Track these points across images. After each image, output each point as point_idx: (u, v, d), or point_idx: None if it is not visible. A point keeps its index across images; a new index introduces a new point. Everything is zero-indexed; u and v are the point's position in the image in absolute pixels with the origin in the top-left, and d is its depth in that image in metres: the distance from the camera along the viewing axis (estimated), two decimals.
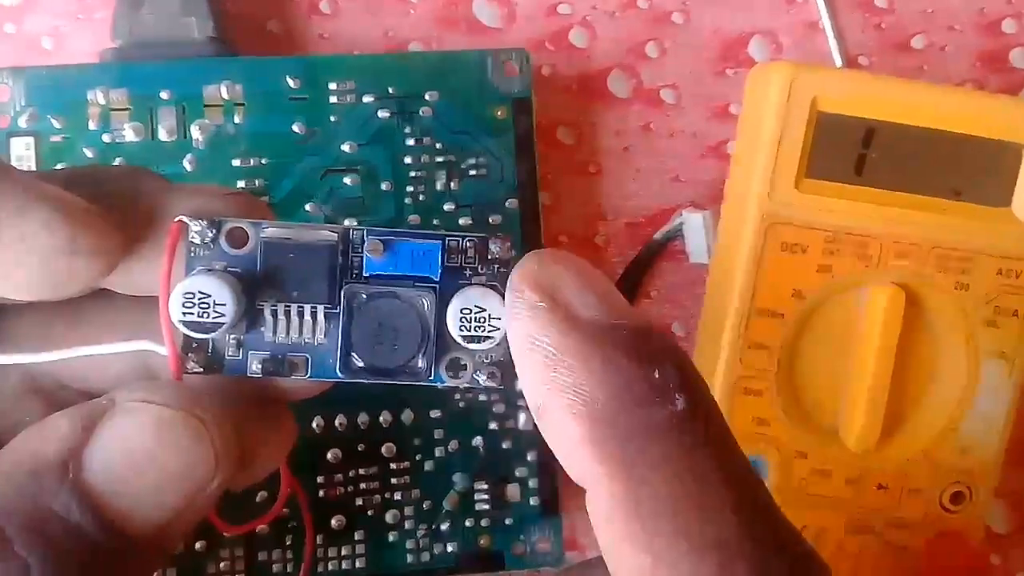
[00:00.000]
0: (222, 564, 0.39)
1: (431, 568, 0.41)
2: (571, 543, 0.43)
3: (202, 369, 0.25)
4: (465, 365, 0.26)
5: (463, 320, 0.25)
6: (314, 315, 0.25)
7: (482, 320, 0.25)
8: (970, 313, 0.40)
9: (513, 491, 0.42)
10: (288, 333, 0.25)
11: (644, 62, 0.45)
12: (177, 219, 0.25)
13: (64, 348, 0.26)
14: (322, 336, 0.25)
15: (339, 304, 0.25)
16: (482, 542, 0.41)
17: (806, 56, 0.45)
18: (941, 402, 0.41)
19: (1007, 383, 0.41)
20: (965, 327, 0.40)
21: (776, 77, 0.39)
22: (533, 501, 0.42)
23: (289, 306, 0.25)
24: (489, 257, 0.26)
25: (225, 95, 0.40)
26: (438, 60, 0.41)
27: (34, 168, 0.39)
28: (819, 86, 0.38)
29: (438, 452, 0.41)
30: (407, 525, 0.41)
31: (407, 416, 0.41)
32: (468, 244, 0.26)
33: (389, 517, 0.41)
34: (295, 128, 0.40)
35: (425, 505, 0.41)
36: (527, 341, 0.22)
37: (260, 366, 0.25)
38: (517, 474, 0.42)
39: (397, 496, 0.41)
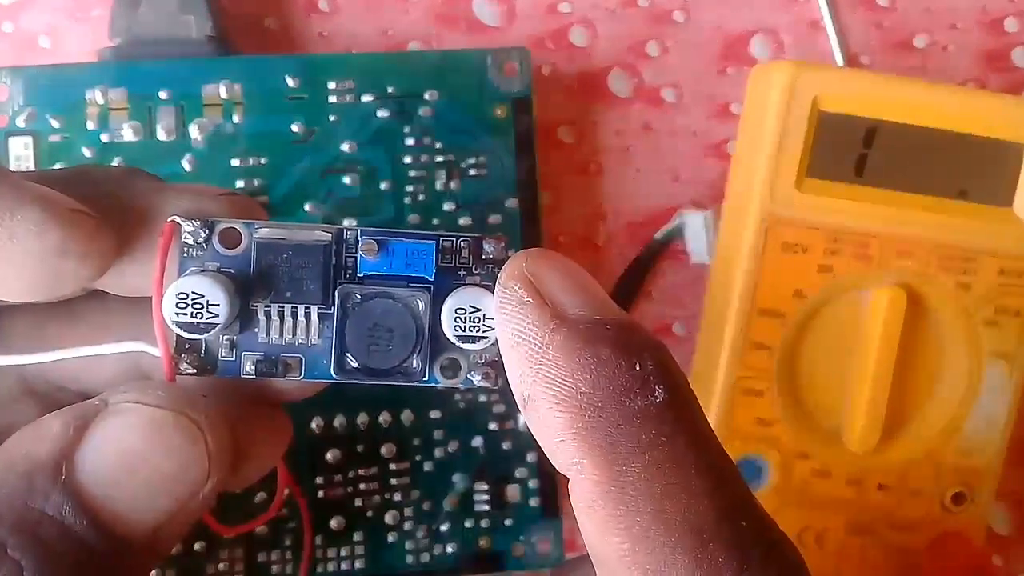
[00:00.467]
0: (221, 565, 0.39)
1: (431, 569, 0.41)
2: (571, 544, 0.43)
3: (195, 370, 0.25)
4: (460, 365, 0.26)
5: (457, 320, 0.25)
6: (308, 316, 0.25)
7: (476, 320, 0.25)
8: (972, 313, 0.40)
9: (513, 492, 0.42)
10: (282, 334, 0.25)
11: (645, 61, 0.44)
12: (170, 219, 0.24)
13: (57, 349, 0.25)
14: (316, 337, 0.25)
15: (333, 304, 0.25)
16: (482, 543, 0.41)
17: (807, 55, 0.45)
18: (942, 402, 0.41)
19: (1009, 383, 0.41)
20: (967, 327, 0.40)
21: (777, 76, 0.39)
22: (533, 502, 0.42)
23: (283, 306, 0.25)
24: (483, 257, 0.26)
25: (224, 94, 0.39)
26: (438, 59, 0.41)
27: (33, 168, 0.39)
28: (820, 85, 0.38)
29: (438, 453, 0.41)
30: (407, 526, 0.41)
31: (407, 416, 0.41)
32: (462, 244, 0.26)
33: (389, 518, 0.40)
34: (294, 128, 0.40)
35: (425, 506, 0.41)
36: (514, 335, 0.23)
37: (253, 367, 0.25)
38: (517, 475, 0.42)
39: (397, 497, 0.41)
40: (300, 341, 0.25)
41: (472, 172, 0.41)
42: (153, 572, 0.38)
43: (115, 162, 0.39)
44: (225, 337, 0.25)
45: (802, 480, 0.41)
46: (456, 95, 0.41)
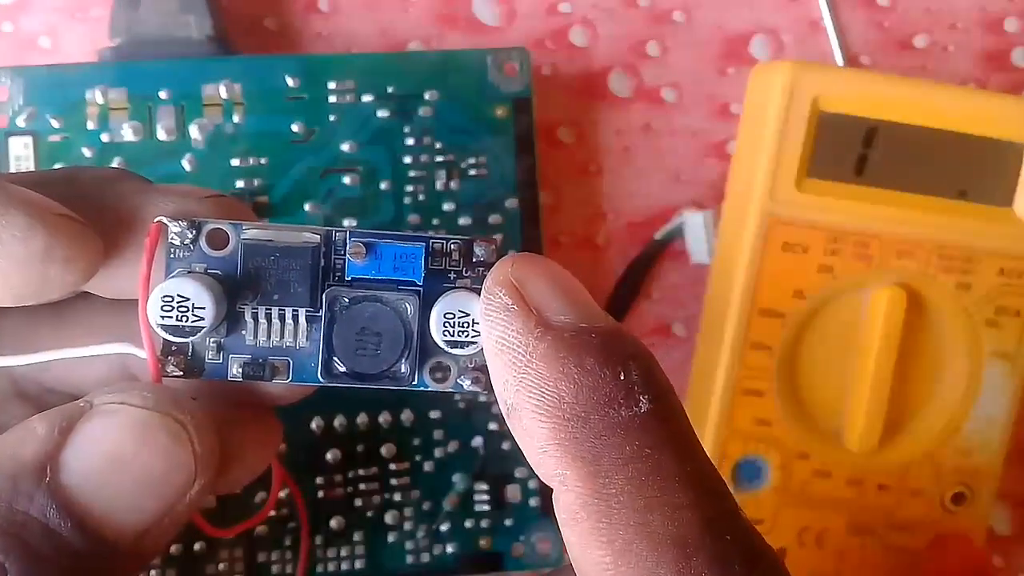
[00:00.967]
0: (221, 565, 0.39)
1: (431, 569, 0.41)
2: None
3: (182, 372, 0.25)
4: (450, 369, 0.26)
5: (447, 325, 0.25)
6: (295, 318, 0.25)
7: (466, 325, 0.25)
8: (972, 313, 0.40)
9: (513, 492, 0.42)
10: (269, 337, 0.25)
11: (645, 61, 0.44)
12: (156, 220, 0.24)
13: (45, 351, 0.25)
14: (304, 340, 0.25)
15: (321, 307, 0.25)
16: (482, 543, 0.41)
17: (807, 55, 0.45)
18: (943, 402, 0.41)
19: (1009, 384, 0.41)
20: (967, 327, 0.40)
21: (777, 76, 0.39)
22: (533, 502, 0.42)
23: (270, 309, 0.25)
24: (474, 260, 0.25)
25: (224, 94, 0.40)
26: (438, 59, 0.41)
27: (32, 168, 0.39)
28: (820, 85, 0.38)
29: (438, 453, 0.41)
30: (407, 526, 0.41)
31: (407, 417, 0.41)
32: (452, 247, 0.25)
33: (389, 518, 0.41)
34: (294, 128, 0.40)
35: (425, 506, 0.41)
36: (498, 342, 0.23)
37: (241, 370, 0.25)
38: (517, 475, 0.42)
39: (397, 497, 0.41)
40: (288, 344, 0.25)
41: (472, 172, 0.41)
42: (153, 572, 0.38)
43: (115, 162, 0.39)
44: (212, 339, 0.25)
45: (802, 480, 0.41)
46: (456, 95, 0.41)
